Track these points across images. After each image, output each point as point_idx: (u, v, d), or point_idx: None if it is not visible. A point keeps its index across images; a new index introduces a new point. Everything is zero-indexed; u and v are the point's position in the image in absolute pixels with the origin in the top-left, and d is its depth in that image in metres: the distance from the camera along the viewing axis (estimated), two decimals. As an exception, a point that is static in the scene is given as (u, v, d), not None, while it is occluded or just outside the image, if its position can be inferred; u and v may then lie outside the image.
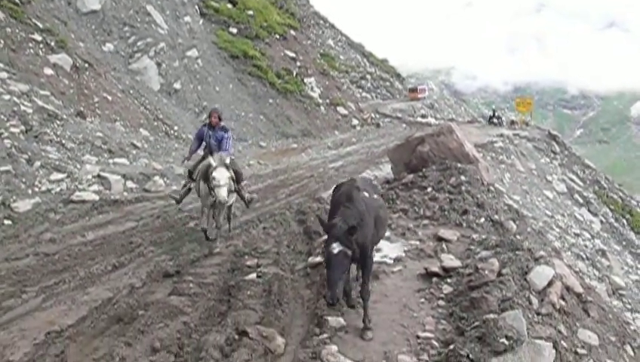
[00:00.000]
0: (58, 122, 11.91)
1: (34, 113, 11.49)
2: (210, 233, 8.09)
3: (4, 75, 12.40)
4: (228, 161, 7.85)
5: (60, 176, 9.88)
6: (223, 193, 7.33)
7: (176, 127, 17.53)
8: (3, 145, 9.63)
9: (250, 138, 21.57)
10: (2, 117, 10.44)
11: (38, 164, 9.88)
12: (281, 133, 23.90)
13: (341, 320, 5.52)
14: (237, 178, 8.23)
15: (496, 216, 9.08)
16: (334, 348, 5.02)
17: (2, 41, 13.99)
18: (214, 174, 7.38)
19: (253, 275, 6.66)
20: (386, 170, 14.69)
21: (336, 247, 4.76)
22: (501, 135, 24.77)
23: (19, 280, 6.33)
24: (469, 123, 36.76)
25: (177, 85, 21.11)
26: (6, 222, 8.01)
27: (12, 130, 10.34)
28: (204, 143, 8.58)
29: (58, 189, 9.51)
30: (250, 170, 14.93)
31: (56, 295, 6.06)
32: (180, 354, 4.94)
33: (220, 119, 8.47)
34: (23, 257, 6.98)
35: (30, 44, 14.88)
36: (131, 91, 17.68)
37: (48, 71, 14.64)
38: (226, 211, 8.56)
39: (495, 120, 34.58)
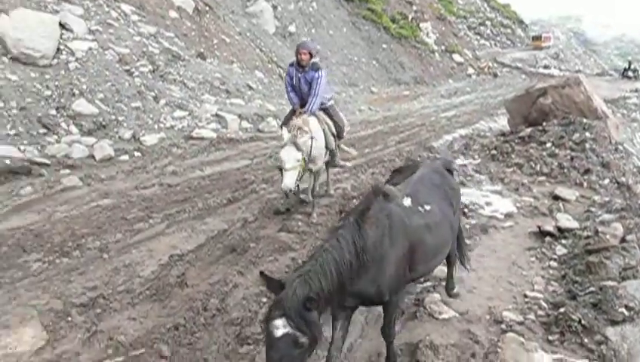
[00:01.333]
0: (181, 63, 12.56)
1: (160, 54, 12.19)
2: (306, 198, 7.28)
3: (135, 17, 13.20)
4: (311, 124, 6.40)
5: (182, 113, 10.53)
6: (287, 180, 5.91)
7: (289, 70, 17.84)
8: (134, 83, 10.39)
9: (361, 83, 21.40)
10: (134, 57, 11.19)
11: (163, 101, 10.58)
12: (393, 79, 23.45)
13: (445, 269, 5.49)
14: (337, 132, 7.06)
15: (623, 178, 8.37)
16: (437, 296, 5.02)
17: (134, -16, 14.83)
18: (280, 154, 6.06)
19: (360, 219, 6.74)
20: (502, 122, 13.99)
21: (280, 327, 2.79)
22: (636, 90, 22.41)
23: (146, 206, 6.94)
24: (598, 76, 33.65)
25: (292, 28, 21.28)
26: (136, 153, 8.74)
27: (142, 69, 11.08)
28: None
29: (180, 126, 10.15)
30: (360, 116, 14.91)
31: (178, 222, 6.58)
32: (287, 287, 5.20)
33: (311, 55, 6.73)
34: (149, 186, 7.61)
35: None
36: (248, 34, 18.11)
37: (173, 14, 15.37)
38: (319, 177, 7.19)
39: (630, 73, 31.34)
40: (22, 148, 7.69)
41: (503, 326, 4.60)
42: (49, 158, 7.75)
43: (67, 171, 7.66)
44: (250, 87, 14.00)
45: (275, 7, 20.86)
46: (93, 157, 8.21)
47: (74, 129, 8.60)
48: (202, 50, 14.80)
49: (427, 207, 3.96)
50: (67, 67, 9.61)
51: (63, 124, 8.54)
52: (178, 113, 10.47)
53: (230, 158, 9.35)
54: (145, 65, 11.27)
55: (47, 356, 4.30)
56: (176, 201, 7.16)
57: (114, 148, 8.54)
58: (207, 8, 16.82)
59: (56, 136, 8.29)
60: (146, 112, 9.95)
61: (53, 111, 8.63)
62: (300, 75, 6.80)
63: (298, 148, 6.02)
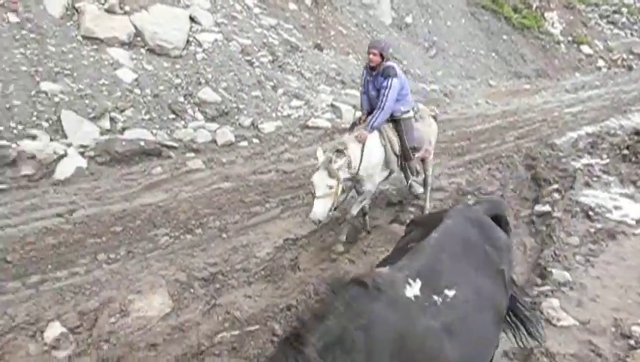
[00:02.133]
0: (299, 53, 12.86)
1: (279, 45, 12.57)
2: (418, 189, 6.89)
3: (257, 10, 13.71)
4: (369, 140, 5.57)
5: (299, 103, 10.80)
6: (316, 209, 5.13)
7: (405, 62, 17.55)
8: (254, 73, 10.82)
9: (479, 76, 20.56)
10: (255, 48, 11.65)
11: (281, 91, 10.92)
12: (513, 72, 22.27)
13: (566, 274, 5.14)
14: (403, 153, 5.93)
15: None
16: (556, 302, 4.72)
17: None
18: (312, 178, 5.28)
19: (473, 215, 6.52)
20: (636, 119, 12.76)
21: None
22: None
23: (263, 191, 7.23)
24: None
25: (409, 19, 20.95)
26: (254, 140, 9.13)
27: (262, 59, 11.51)
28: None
29: (297, 115, 10.43)
30: (477, 110, 14.34)
31: (292, 208, 6.78)
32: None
33: (382, 57, 5.63)
34: (266, 172, 7.92)
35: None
36: (364, 25, 18.11)
37: (292, 6, 15.76)
38: (430, 168, 6.74)
39: None
40: (154, 131, 8.33)
41: (632, 341, 4.22)
42: (177, 142, 8.32)
43: (192, 154, 8.19)
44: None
45: (392, -2, 20.71)
46: (215, 142, 8.70)
47: (199, 115, 9.16)
48: (319, 41, 15.04)
49: (449, 293, 2.53)
50: (195, 57, 10.23)
51: (190, 111, 9.12)
52: (295, 102, 10.75)
53: (343, 148, 9.43)
54: (265, 56, 11.69)
55: (172, 322, 4.65)
56: (291, 187, 7.37)
57: (234, 135, 8.98)
58: (325, 0, 17.07)
59: (183, 122, 8.88)
60: (265, 101, 10.33)
61: (182, 99, 9.24)
62: (369, 78, 5.86)
63: (331, 175, 5.17)
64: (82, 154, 7.26)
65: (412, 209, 6.74)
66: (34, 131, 7.21)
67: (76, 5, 9.57)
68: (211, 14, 11.66)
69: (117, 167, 7.40)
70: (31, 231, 5.72)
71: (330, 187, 5.17)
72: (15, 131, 7.08)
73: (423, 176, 6.78)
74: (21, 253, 5.34)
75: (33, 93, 7.68)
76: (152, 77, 9.24)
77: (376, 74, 5.72)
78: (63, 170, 6.88)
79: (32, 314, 4.48)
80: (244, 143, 8.94)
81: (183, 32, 10.47)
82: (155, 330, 4.54)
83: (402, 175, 6.35)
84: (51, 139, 7.29)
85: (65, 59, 8.54)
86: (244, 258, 5.60)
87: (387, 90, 5.58)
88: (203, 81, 9.74)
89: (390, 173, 6.06)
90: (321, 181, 5.18)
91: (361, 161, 5.52)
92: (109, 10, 9.87)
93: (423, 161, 6.58)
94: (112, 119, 8.11)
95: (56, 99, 7.79)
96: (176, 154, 8.08)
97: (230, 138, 8.81)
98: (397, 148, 5.90)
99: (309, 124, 10.00)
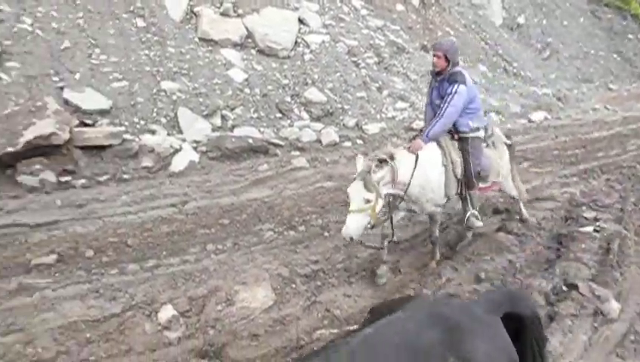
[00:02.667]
0: (405, 55, 12.72)
1: (385, 46, 12.51)
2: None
3: (365, 11, 13.74)
4: (423, 152, 4.89)
5: (404, 105, 10.68)
6: (349, 225, 4.49)
7: (515, 64, 16.78)
8: (360, 74, 10.86)
9: (597, 79, 19.15)
10: (361, 49, 11.69)
11: (385, 92, 10.86)
12: (637, 74, 20.51)
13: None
14: (467, 179, 5.14)
15: None
16: None
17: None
18: (348, 189, 4.63)
19: (589, 228, 6.07)
20: None
21: None
22: None
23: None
24: None
25: (521, 19, 19.98)
26: (358, 141, 9.16)
27: (367, 60, 11.52)
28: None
29: (401, 117, 10.32)
30: (595, 115, 13.37)
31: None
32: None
33: (447, 61, 4.99)
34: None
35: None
36: (473, 26, 17.53)
37: (399, 7, 15.62)
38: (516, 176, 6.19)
39: None
40: (261, 129, 8.62)
41: None
42: (283, 140, 8.55)
43: (297, 153, 8.38)
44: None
45: (503, -3, 19.88)
46: (320, 141, 8.83)
47: (305, 115, 9.35)
48: (426, 42, 14.78)
49: None
50: (302, 58, 10.45)
51: (296, 110, 9.34)
52: (399, 104, 10.65)
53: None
54: (371, 57, 11.69)
55: (274, 315, 4.77)
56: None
57: (339, 135, 9.06)
58: (433, 0, 16.73)
59: (289, 121, 9.11)
60: (370, 102, 10.32)
61: (289, 98, 9.49)
62: (435, 84, 5.23)
63: (368, 187, 4.45)
64: (195, 149, 7.69)
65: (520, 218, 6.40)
66: (154, 127, 7.75)
67: (195, 10, 10.16)
68: (319, 16, 11.86)
69: (226, 163, 7.75)
70: (148, 219, 6.15)
71: (367, 201, 4.46)
72: (138, 126, 7.65)
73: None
74: (140, 239, 5.75)
75: (154, 91, 8.25)
76: (261, 77, 9.57)
77: (442, 80, 5.07)
78: (178, 163, 7.33)
79: (149, 296, 4.80)
80: (348, 144, 8.99)
81: (291, 34, 10.74)
82: (257, 321, 4.69)
83: (460, 205, 5.58)
84: (168, 134, 7.79)
85: (183, 59, 9.09)
86: (346, 257, 5.63)
87: (451, 97, 4.91)
88: (310, 81, 9.93)
89: (447, 200, 5.24)
90: (356, 193, 4.49)
91: (412, 176, 4.81)
92: (224, 14, 10.37)
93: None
94: (223, 117, 8.51)
95: (174, 97, 8.31)
96: (282, 152, 8.30)
97: (334, 138, 8.90)
98: (459, 171, 5.07)
99: (414, 126, 9.85)
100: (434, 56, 5.06)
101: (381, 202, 4.62)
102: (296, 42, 10.77)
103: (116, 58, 8.51)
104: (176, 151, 7.43)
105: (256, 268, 5.29)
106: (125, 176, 6.90)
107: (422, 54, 13.52)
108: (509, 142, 5.99)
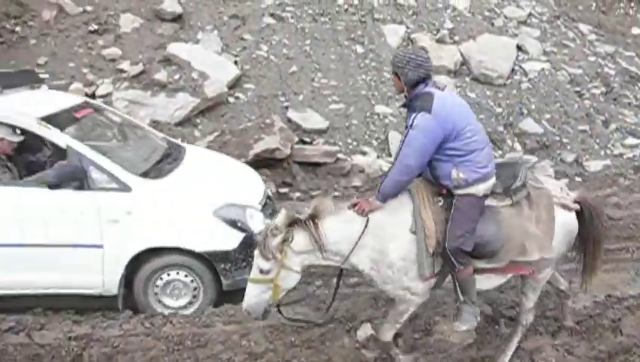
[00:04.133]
0: (639, 85, 11.32)
1: (616, 75, 11.28)
2: None
3: (593, 36, 12.59)
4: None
5: (634, 141, 9.48)
6: (245, 296, 3.56)
7: None
8: (583, 105, 9.96)
9: None
10: (586, 78, 10.73)
11: (613, 126, 9.77)
12: None
13: None
14: (443, 255, 3.48)
15: None
16: None
17: (594, 3, 14.18)
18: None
19: None
20: None
21: None
22: None
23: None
24: None
25: None
26: (577, 178, 8.38)
27: (593, 90, 10.51)
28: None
29: (630, 155, 9.17)
30: None
31: (619, 261, 5.97)
32: None
33: (398, 78, 3.47)
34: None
35: (621, 4, 14.51)
36: None
37: (635, 30, 13.98)
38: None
39: None
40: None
41: None
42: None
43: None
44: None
45: None
46: (532, 175, 8.30)
47: (518, 146, 8.90)
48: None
49: None
50: (519, 87, 9.98)
51: (509, 141, 8.94)
52: (629, 140, 9.47)
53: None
54: (597, 87, 10.63)
55: (472, 354, 4.57)
56: (617, 237, 6.48)
57: (554, 170, 8.40)
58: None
59: (500, 151, 8.75)
60: (593, 137, 9.39)
61: (501, 128, 9.13)
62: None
63: (264, 254, 3.38)
64: (402, 173, 7.82)
65: None
66: (365, 148, 8.11)
67: (411, 36, 10.42)
68: (540, 43, 11.22)
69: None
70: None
71: (263, 271, 3.42)
72: (351, 147, 8.08)
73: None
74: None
75: (368, 114, 8.65)
76: (474, 105, 9.36)
77: (412, 100, 3.47)
78: (385, 186, 7.53)
79: (350, 312, 4.97)
80: (565, 180, 8.28)
81: (508, 61, 10.35)
82: (454, 357, 4.54)
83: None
84: (378, 157, 8.08)
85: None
86: (556, 306, 5.15)
87: (406, 134, 3.41)
88: (525, 111, 9.42)
89: (431, 283, 3.74)
90: (255, 260, 3.48)
91: (355, 245, 3.51)
92: (440, 40, 10.43)
93: (522, 277, 4.00)
94: (431, 142, 8.53)
95: (386, 121, 8.60)
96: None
97: (549, 173, 8.28)
98: (433, 242, 3.46)
99: (646, 166, 8.71)
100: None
101: (293, 276, 3.52)
102: (512, 70, 10.34)
103: (335, 82, 9.13)
104: (385, 173, 7.63)
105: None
106: (336, 193, 7.31)
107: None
108: (565, 200, 3.86)
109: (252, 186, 5.56)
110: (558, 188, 3.96)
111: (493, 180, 3.55)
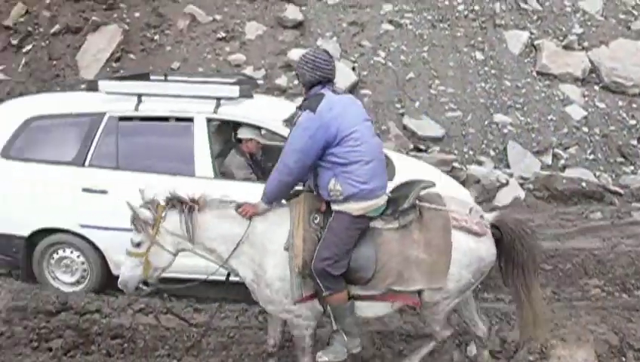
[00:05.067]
0: None
1: None
2: None
3: None
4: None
5: None
6: (122, 269, 3.51)
7: None
8: None
9: None
10: None
11: None
12: None
13: None
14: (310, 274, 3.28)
15: None
16: None
17: None
18: None
19: None
20: None
21: None
22: None
23: None
24: None
25: None
26: None
27: None
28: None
29: None
30: None
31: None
32: None
33: (298, 79, 3.50)
34: None
35: None
36: None
37: None
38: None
39: None
40: (597, 173, 7.91)
41: None
42: (622, 188, 7.67)
43: (639, 205, 7.37)
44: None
45: None
46: (669, 195, 7.60)
47: (652, 161, 8.19)
48: None
49: None
50: (659, 97, 9.18)
51: (643, 156, 8.27)
52: None
53: None
54: None
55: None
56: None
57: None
58: None
59: (632, 167, 8.13)
60: None
61: (634, 142, 8.46)
62: None
63: (135, 225, 3.31)
64: (522, 185, 7.52)
65: None
66: (482, 158, 7.89)
67: (535, 43, 9.91)
68: (684, 48, 10.19)
69: (553, 204, 7.34)
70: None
71: (134, 244, 3.35)
72: (466, 156, 7.90)
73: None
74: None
75: (486, 123, 8.40)
76: (604, 116, 8.77)
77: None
78: (502, 198, 7.28)
79: (461, 326, 4.86)
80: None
81: (645, 69, 9.53)
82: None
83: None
84: (495, 167, 7.82)
85: (518, 93, 9.00)
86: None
87: (289, 135, 3.34)
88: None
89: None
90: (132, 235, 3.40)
91: (234, 251, 3.37)
92: (567, 47, 9.84)
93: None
94: (555, 155, 8.15)
95: (505, 131, 8.29)
96: (621, 202, 7.43)
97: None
98: (300, 261, 3.25)
99: None
100: None
101: (164, 255, 3.38)
102: (650, 78, 9.49)
103: (453, 89, 8.96)
104: (502, 185, 7.39)
105: (578, 326, 4.83)
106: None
107: None
108: (475, 224, 3.43)
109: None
110: (465, 209, 3.50)
111: (374, 202, 3.28)
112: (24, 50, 9.51)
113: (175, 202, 3.34)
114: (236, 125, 5.24)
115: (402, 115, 8.48)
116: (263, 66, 9.09)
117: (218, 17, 9.82)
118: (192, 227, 3.28)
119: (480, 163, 7.80)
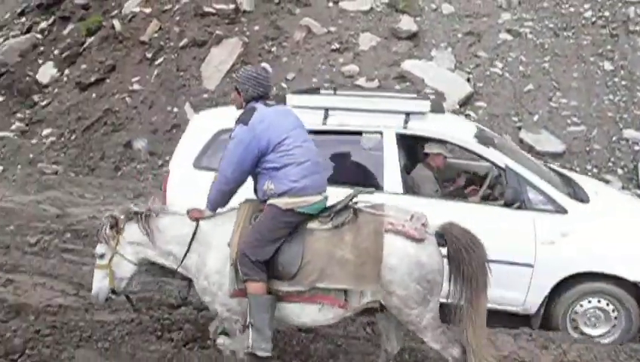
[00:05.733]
0: None
1: None
2: None
3: None
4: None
5: None
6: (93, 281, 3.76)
7: None
8: None
9: None
10: None
11: None
12: None
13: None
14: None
15: None
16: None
17: None
18: None
19: None
20: None
21: None
22: None
23: None
24: None
25: None
26: None
27: None
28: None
29: None
30: None
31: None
32: None
33: (239, 94, 3.65)
34: None
35: None
36: None
37: None
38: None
39: None
40: None
41: None
42: None
43: None
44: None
45: None
46: None
47: None
48: None
49: None
50: None
51: None
52: None
53: None
54: None
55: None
56: None
57: None
58: None
59: None
60: None
61: None
62: None
63: (99, 237, 3.66)
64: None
65: None
66: (608, 176, 7.33)
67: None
68: None
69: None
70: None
71: (97, 255, 3.67)
72: (590, 174, 7.36)
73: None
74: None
75: (614, 139, 7.80)
76: None
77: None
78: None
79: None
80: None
81: None
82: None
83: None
84: (623, 187, 7.21)
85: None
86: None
87: (227, 147, 3.59)
88: None
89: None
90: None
91: (188, 250, 3.59)
92: None
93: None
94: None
95: (636, 148, 7.64)
96: None
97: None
98: (234, 253, 3.43)
99: None
100: None
101: (126, 265, 3.67)
102: None
103: (576, 102, 8.41)
104: (634, 207, 6.79)
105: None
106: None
107: None
108: (414, 230, 3.31)
109: None
110: (406, 216, 3.39)
111: (303, 199, 3.43)
112: (156, 63, 10.36)
113: (132, 215, 3.65)
114: (421, 140, 5.16)
115: (519, 128, 8.10)
116: (376, 77, 9.11)
117: (333, 29, 10.02)
118: (150, 230, 3.58)
119: (606, 182, 7.23)
